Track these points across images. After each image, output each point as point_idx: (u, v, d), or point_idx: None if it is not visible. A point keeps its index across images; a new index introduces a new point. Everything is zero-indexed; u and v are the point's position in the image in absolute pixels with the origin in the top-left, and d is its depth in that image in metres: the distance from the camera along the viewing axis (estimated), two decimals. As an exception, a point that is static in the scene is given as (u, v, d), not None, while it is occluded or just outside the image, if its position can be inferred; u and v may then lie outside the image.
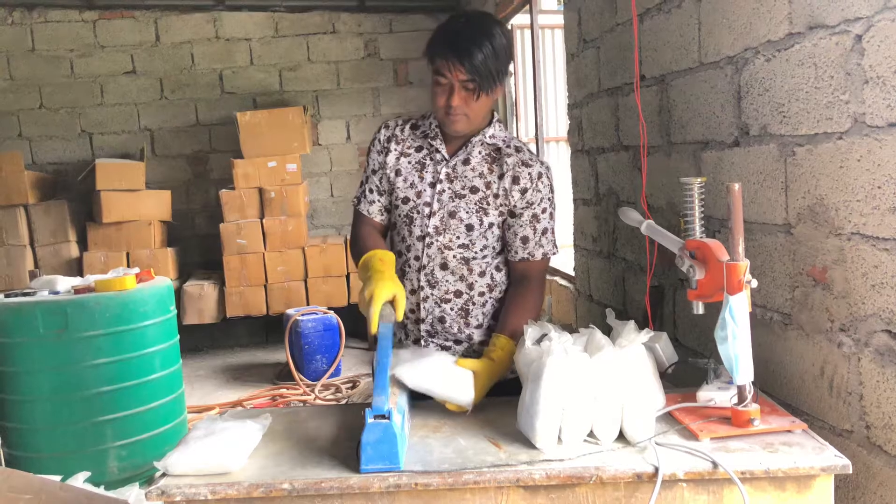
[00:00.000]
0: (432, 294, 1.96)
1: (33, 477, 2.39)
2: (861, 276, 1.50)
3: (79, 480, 2.81)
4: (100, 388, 3.39)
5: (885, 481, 1.48)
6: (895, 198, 1.40)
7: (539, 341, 1.59)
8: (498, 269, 1.99)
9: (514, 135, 5.60)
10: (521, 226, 1.95)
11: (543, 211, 1.96)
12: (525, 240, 1.95)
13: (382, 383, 1.51)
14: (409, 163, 1.98)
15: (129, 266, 5.86)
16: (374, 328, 1.63)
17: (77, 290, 3.45)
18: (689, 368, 1.89)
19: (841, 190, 1.55)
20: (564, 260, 4.29)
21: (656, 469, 1.35)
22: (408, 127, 2.03)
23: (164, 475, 1.44)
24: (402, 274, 1.98)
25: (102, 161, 6.16)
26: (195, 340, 6.30)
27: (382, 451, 1.40)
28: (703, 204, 1.58)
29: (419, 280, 1.96)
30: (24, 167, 6.02)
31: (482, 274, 1.97)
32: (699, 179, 1.58)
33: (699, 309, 1.62)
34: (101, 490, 2.71)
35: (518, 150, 1.97)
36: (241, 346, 6.58)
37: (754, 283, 1.46)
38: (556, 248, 2.02)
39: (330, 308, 5.69)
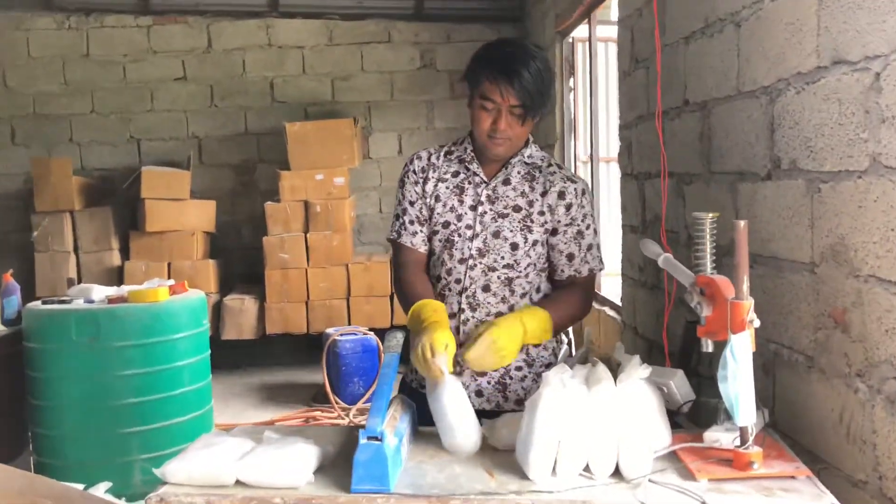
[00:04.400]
0: (473, 317, 2.08)
1: (56, 483, 2.58)
2: (876, 319, 1.56)
3: (100, 490, 2.99)
4: (127, 399, 3.62)
5: (895, 537, 1.52)
6: (907, 241, 1.46)
7: (543, 372, 1.70)
8: (538, 290, 2.12)
9: (572, 154, 5.69)
10: (566, 243, 2.10)
11: (588, 227, 2.12)
12: (570, 257, 2.11)
13: (379, 406, 1.64)
14: (448, 188, 2.13)
15: (169, 277, 6.15)
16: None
17: (111, 300, 3.70)
18: (708, 407, 1.96)
19: (859, 230, 1.61)
20: (613, 290, 4.35)
21: (643, 506, 1.44)
22: (442, 154, 2.19)
23: (163, 483, 1.60)
24: (441, 298, 2.09)
25: (149, 169, 6.49)
26: (234, 357, 6.46)
27: (373, 471, 1.53)
28: (714, 239, 1.67)
29: (460, 303, 2.09)
30: (72, 173, 6.41)
31: (524, 295, 2.09)
32: (711, 215, 1.66)
33: (709, 346, 1.70)
34: (121, 502, 2.91)
35: (559, 167, 2.17)
36: (281, 364, 6.70)
37: (757, 323, 1.53)
38: (603, 263, 2.16)
39: (371, 329, 5.83)
